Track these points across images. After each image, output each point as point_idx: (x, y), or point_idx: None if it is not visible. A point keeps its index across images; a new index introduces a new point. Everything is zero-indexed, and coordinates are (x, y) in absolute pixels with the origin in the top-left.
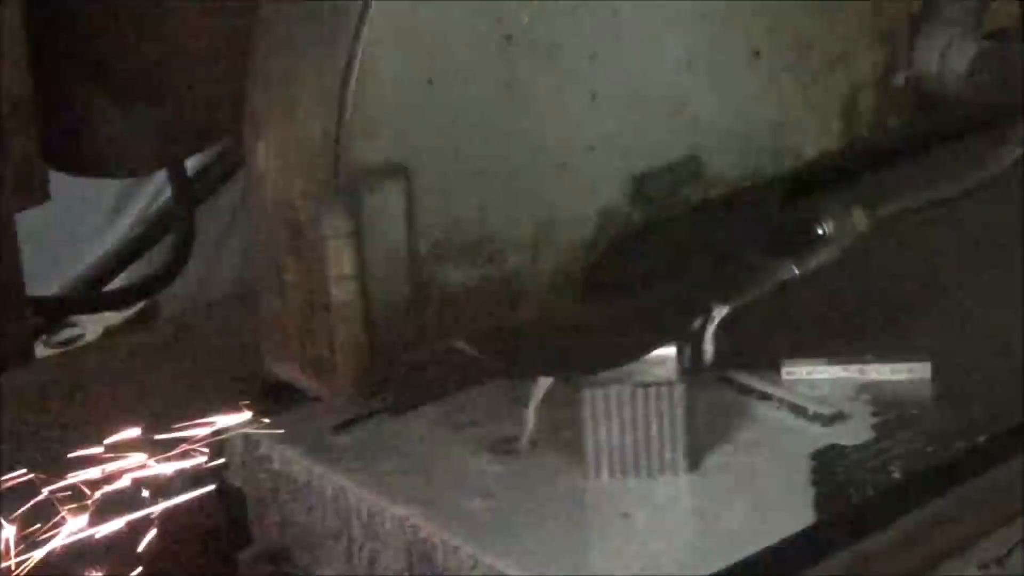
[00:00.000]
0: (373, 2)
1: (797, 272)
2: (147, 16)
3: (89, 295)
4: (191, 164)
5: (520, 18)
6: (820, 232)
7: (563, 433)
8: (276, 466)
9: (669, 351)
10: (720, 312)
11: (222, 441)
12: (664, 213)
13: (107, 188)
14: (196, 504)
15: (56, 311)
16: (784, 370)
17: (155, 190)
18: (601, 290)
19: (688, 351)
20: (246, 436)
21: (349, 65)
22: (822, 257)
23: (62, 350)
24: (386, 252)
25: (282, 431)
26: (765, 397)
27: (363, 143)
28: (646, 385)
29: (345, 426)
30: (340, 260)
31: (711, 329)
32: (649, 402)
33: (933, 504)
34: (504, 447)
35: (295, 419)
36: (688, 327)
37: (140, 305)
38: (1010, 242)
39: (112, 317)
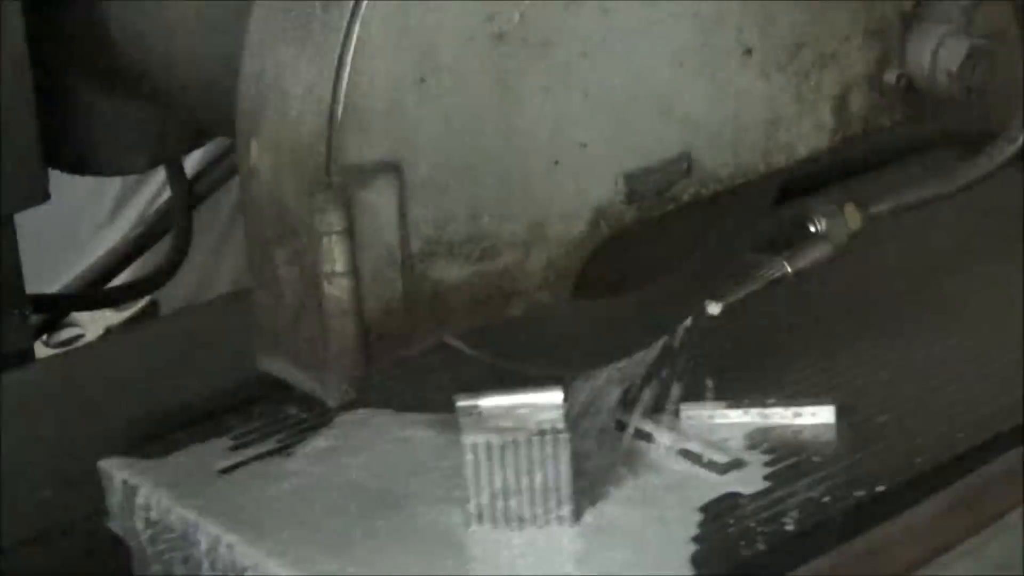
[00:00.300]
0: (365, 0)
1: (789, 269)
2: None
3: (84, 293)
4: (190, 165)
5: (512, 16)
6: (812, 230)
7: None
8: (154, 515)
9: (556, 397)
10: (713, 309)
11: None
12: (656, 211)
13: (107, 188)
14: (77, 552)
15: (51, 308)
16: (683, 414)
17: (155, 190)
18: (594, 287)
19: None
20: (124, 482)
21: (341, 62)
22: (814, 255)
23: (62, 350)
24: (378, 249)
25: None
26: (660, 443)
27: (355, 140)
28: (530, 433)
29: (229, 470)
30: (332, 256)
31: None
32: (533, 451)
33: (828, 556)
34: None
35: (177, 462)
36: (680, 324)
37: (140, 305)
38: (931, 269)
39: (112, 317)
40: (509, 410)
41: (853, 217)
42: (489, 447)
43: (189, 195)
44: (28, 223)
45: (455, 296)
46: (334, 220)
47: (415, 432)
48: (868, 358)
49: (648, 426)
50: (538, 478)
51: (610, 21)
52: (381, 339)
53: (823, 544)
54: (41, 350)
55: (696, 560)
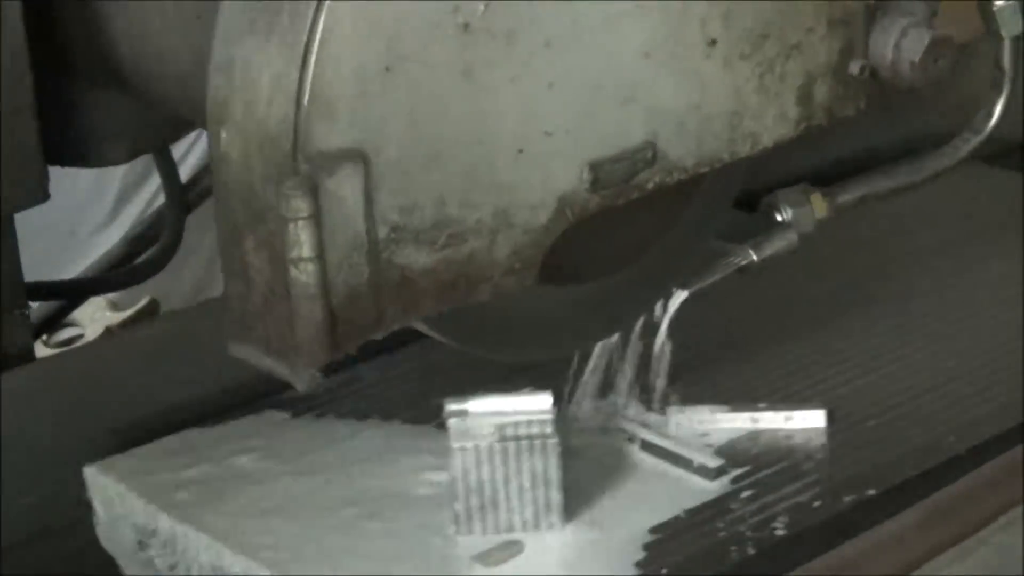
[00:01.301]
0: None
1: (755, 258)
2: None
3: (77, 281)
4: (185, 171)
5: (476, 7)
6: (779, 218)
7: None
8: (140, 520)
9: (545, 402)
10: (679, 297)
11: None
12: (621, 199)
13: (107, 188)
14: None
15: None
16: (673, 418)
17: (155, 191)
18: (559, 274)
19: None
20: (103, 487)
21: (307, 52)
22: (780, 243)
23: (62, 350)
24: (345, 235)
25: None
26: (650, 447)
27: (322, 128)
28: (518, 439)
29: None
30: (299, 242)
31: (670, 313)
32: (522, 456)
33: (816, 562)
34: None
35: (162, 465)
36: (646, 311)
37: (140, 305)
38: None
39: (112, 317)
40: (497, 414)
41: (819, 206)
42: (478, 451)
43: (182, 189)
44: (28, 223)
45: (421, 282)
46: (301, 206)
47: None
48: (858, 360)
49: (638, 429)
50: (527, 483)
51: (575, 12)
52: (348, 324)
53: (812, 549)
54: (41, 350)
55: (686, 565)
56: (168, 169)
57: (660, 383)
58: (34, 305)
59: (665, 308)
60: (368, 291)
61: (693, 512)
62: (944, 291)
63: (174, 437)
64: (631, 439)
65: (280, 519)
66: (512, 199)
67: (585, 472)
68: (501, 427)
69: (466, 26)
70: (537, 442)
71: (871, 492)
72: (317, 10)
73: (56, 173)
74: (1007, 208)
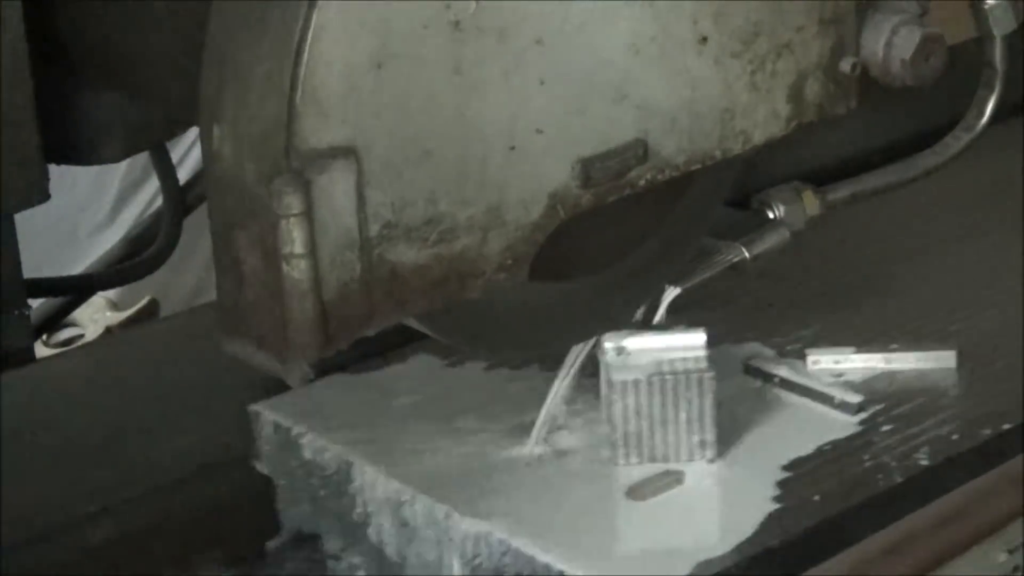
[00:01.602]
0: None
1: (747, 255)
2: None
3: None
4: (184, 173)
5: (468, 4)
6: (771, 216)
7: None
8: (307, 454)
9: (699, 338)
10: (670, 294)
11: (252, 427)
12: (612, 196)
13: (107, 188)
14: (225, 493)
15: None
16: (809, 359)
17: (154, 192)
18: (551, 270)
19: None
20: (276, 423)
21: (299, 49)
22: (772, 240)
23: (62, 350)
24: (337, 231)
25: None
26: (790, 386)
27: (313, 125)
28: (675, 373)
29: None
30: (291, 239)
31: (661, 310)
32: (679, 390)
33: (962, 490)
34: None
35: (327, 402)
36: (638, 309)
37: (140, 305)
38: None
39: (112, 317)
40: (654, 350)
41: (811, 203)
42: (637, 385)
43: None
44: (28, 223)
45: (413, 278)
46: (293, 203)
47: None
48: (986, 301)
49: (778, 369)
50: (683, 416)
51: (566, 9)
52: (340, 320)
53: (957, 478)
54: (41, 350)
55: (837, 492)
56: (165, 167)
57: None
58: (34, 305)
59: (656, 306)
60: (360, 287)
61: (838, 444)
62: None
63: (331, 378)
64: (770, 378)
65: (443, 458)
66: (503, 196)
67: (729, 408)
68: (658, 362)
69: (457, 24)
70: (694, 376)
71: (1007, 426)
72: (309, 8)
73: (56, 173)
74: None
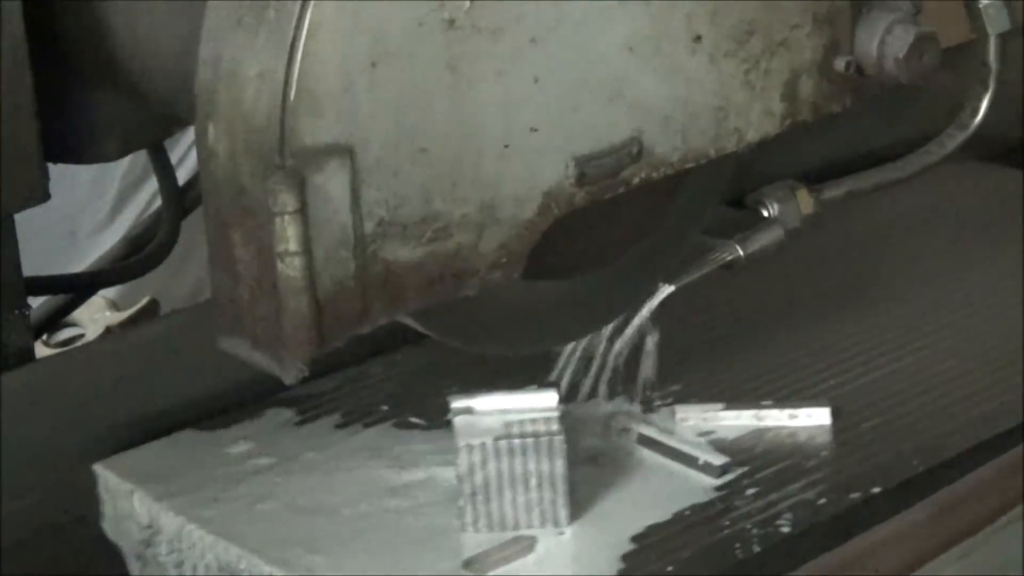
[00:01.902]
0: None
1: (741, 253)
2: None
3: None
4: (188, 169)
5: (462, 3)
6: (765, 214)
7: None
8: (144, 520)
9: (551, 399)
10: (665, 291)
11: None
12: (606, 194)
13: (107, 188)
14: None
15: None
16: (678, 415)
17: (154, 191)
18: (545, 268)
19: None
20: (111, 484)
21: (294, 47)
22: (766, 239)
23: (62, 350)
24: (331, 229)
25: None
26: (653, 443)
27: (308, 123)
28: (524, 436)
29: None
30: (286, 237)
31: (653, 306)
32: (527, 453)
33: (821, 559)
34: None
35: (169, 464)
36: (632, 306)
37: (140, 305)
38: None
39: (112, 317)
40: (504, 412)
41: (806, 202)
42: (484, 449)
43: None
44: (28, 223)
45: (408, 276)
46: (287, 201)
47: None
48: (861, 358)
49: (642, 427)
50: (533, 480)
51: (560, 8)
52: (335, 318)
53: (818, 545)
54: (41, 350)
55: (691, 562)
56: (163, 166)
57: (647, 378)
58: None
59: (651, 303)
60: (354, 285)
61: (697, 509)
62: (945, 290)
63: (178, 435)
64: (635, 435)
65: (284, 517)
66: (498, 194)
67: (587, 468)
68: (507, 424)
69: (452, 22)
70: (544, 439)
71: (876, 489)
72: (304, 6)
73: (56, 173)
74: (1006, 207)
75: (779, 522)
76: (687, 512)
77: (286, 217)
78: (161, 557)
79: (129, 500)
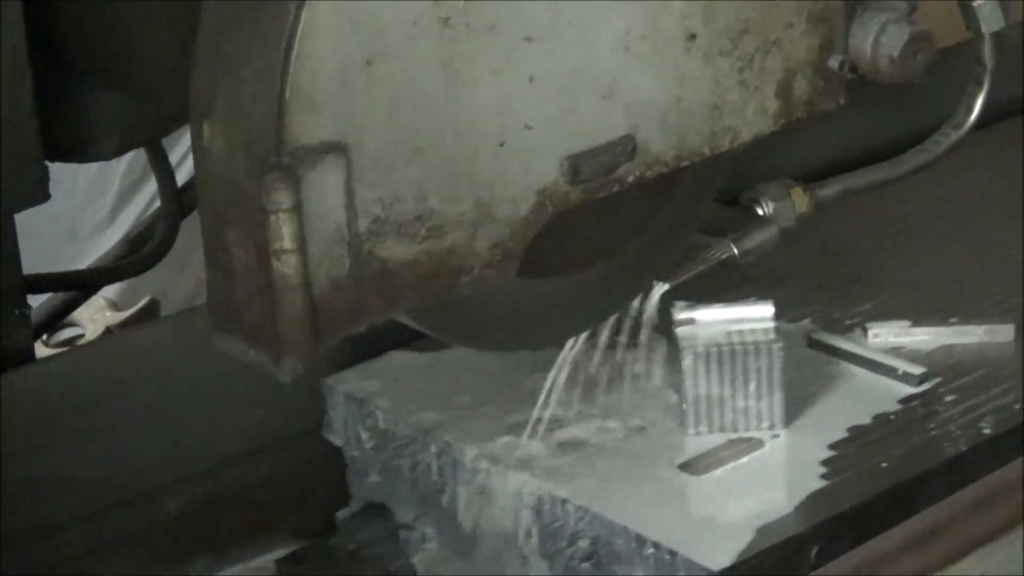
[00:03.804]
0: None
1: (736, 251)
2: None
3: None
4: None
5: (457, 3)
6: (760, 212)
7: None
8: (381, 424)
9: (767, 309)
10: (659, 289)
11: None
12: (601, 192)
13: (107, 188)
14: (295, 464)
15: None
16: (870, 332)
17: (154, 192)
18: (541, 266)
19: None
20: (347, 394)
21: (289, 46)
22: (761, 237)
23: (62, 350)
24: (326, 227)
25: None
26: (853, 358)
27: (303, 122)
28: (744, 344)
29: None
30: (281, 234)
31: (651, 306)
32: (748, 360)
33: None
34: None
35: (398, 374)
36: (628, 304)
37: (140, 305)
38: None
39: (112, 317)
40: (723, 322)
41: (800, 200)
42: (708, 356)
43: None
44: (28, 223)
45: (403, 274)
46: (283, 199)
47: None
48: None
49: (840, 343)
50: (752, 386)
51: (555, 6)
52: (330, 315)
53: (1020, 447)
54: (41, 350)
55: (904, 459)
56: (161, 164)
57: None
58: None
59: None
60: (349, 283)
61: (902, 414)
62: None
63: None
64: (832, 351)
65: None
66: (493, 192)
67: (796, 378)
68: (728, 333)
69: (447, 21)
70: (763, 346)
71: None
72: (299, 5)
73: (56, 173)
74: None
75: (981, 424)
76: (892, 416)
77: (281, 215)
78: (393, 461)
79: (362, 407)
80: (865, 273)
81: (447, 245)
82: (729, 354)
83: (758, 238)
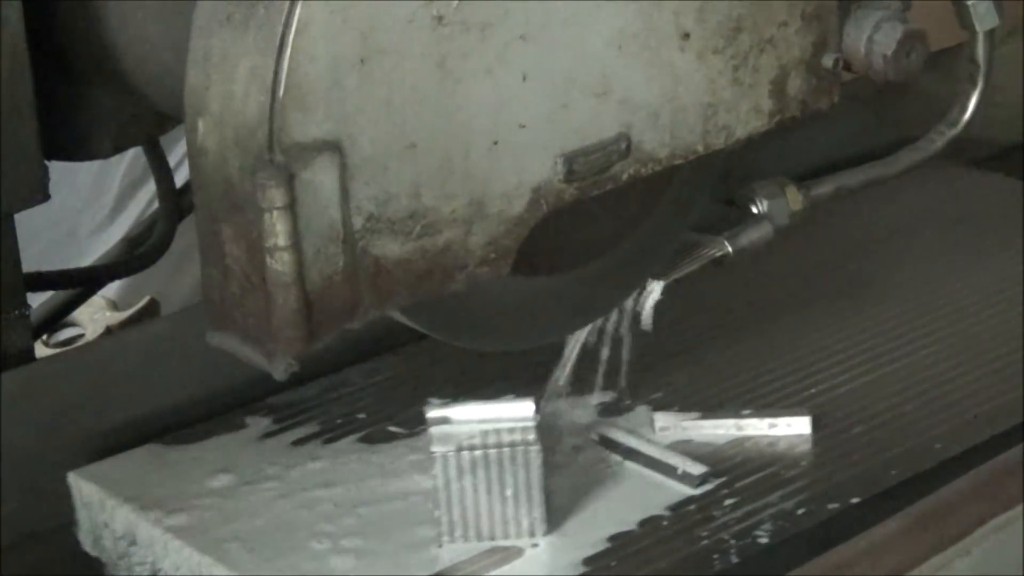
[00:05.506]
0: None
1: (730, 249)
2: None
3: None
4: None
5: (450, 2)
6: (754, 210)
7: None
8: (118, 530)
9: (527, 409)
10: (655, 287)
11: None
12: (595, 190)
13: (107, 188)
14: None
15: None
16: (657, 425)
17: (154, 192)
18: (535, 264)
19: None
20: (91, 496)
21: (283, 43)
22: (755, 235)
23: (62, 350)
24: (321, 225)
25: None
26: (632, 453)
27: (297, 119)
28: (500, 446)
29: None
30: (275, 231)
31: (649, 304)
32: (504, 463)
33: (800, 570)
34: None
35: (147, 474)
36: (622, 301)
37: (140, 305)
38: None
39: (112, 317)
40: (479, 422)
41: (795, 198)
42: (459, 459)
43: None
44: (28, 223)
45: (397, 272)
46: (276, 196)
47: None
48: (844, 364)
49: (621, 437)
50: (509, 491)
51: (549, 5)
52: (324, 313)
53: (796, 556)
54: (41, 350)
55: (668, 572)
56: (159, 164)
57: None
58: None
59: (639, 299)
60: (343, 280)
61: (675, 519)
62: (928, 296)
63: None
64: (613, 446)
65: (261, 528)
66: (487, 190)
67: (565, 478)
68: (484, 434)
69: (441, 19)
70: (520, 449)
71: (855, 500)
72: (293, 3)
73: (56, 173)
74: (1002, 212)
75: (757, 532)
76: (665, 522)
77: (275, 212)
78: (137, 567)
79: (102, 509)
80: (658, 354)
81: (441, 243)
82: (482, 458)
83: (752, 236)
